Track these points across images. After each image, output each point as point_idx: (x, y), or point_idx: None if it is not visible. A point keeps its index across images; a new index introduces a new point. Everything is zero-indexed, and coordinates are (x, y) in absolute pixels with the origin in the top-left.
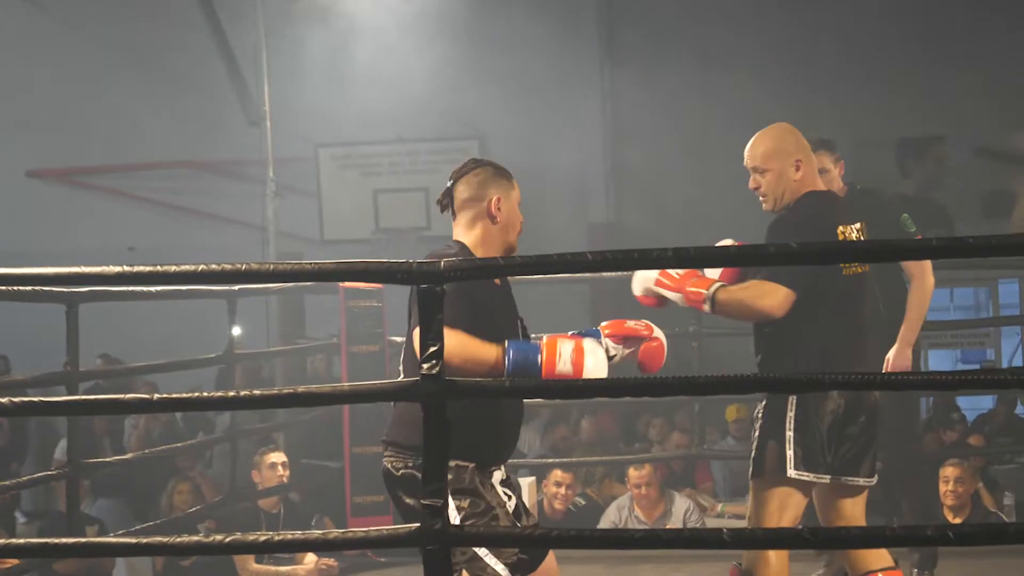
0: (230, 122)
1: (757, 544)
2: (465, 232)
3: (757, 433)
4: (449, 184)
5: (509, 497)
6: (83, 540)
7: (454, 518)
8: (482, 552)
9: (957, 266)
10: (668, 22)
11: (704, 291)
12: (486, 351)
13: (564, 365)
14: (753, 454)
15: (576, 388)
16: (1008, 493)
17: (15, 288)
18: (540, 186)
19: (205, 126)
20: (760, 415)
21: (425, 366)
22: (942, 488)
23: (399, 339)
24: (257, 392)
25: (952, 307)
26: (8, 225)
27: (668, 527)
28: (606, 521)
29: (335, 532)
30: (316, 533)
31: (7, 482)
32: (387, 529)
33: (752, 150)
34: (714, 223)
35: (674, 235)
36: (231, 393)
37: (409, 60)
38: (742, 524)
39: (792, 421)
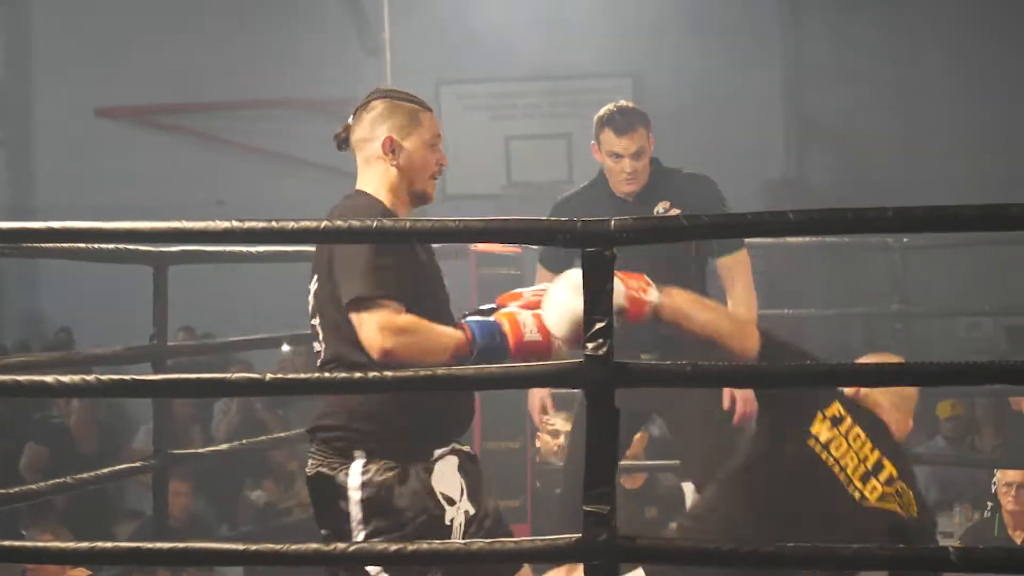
0: (342, 53)
1: (990, 567)
2: (363, 177)
3: None
4: (350, 119)
5: (451, 502)
6: (181, 545)
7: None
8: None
9: None
10: None
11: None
12: (444, 336)
13: (532, 333)
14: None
15: (760, 374)
16: None
17: (95, 247)
18: (707, 136)
19: (311, 57)
20: None
21: (590, 345)
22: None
23: None
24: (388, 374)
25: None
26: (71, 173)
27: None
28: None
29: (479, 543)
30: (457, 543)
31: (84, 475)
32: (542, 540)
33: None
34: (915, 185)
35: (867, 197)
36: (358, 375)
37: None
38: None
39: None
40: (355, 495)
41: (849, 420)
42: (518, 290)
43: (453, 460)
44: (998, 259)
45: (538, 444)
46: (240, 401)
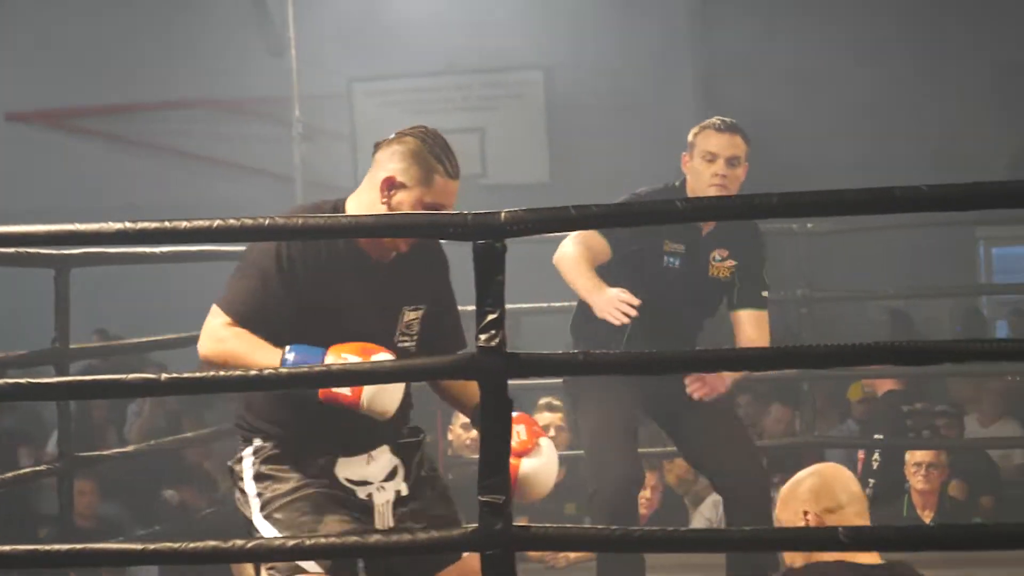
0: (248, 53)
1: (878, 546)
2: (357, 193)
3: None
4: (393, 135)
5: (363, 484)
6: (77, 547)
7: (255, 508)
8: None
9: None
10: None
11: None
12: (254, 356)
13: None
14: None
15: (650, 362)
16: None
17: None
18: (619, 127)
19: (218, 59)
20: None
21: (483, 337)
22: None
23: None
24: (284, 371)
25: None
26: None
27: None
28: (700, 520)
29: (376, 536)
30: (353, 537)
31: None
32: (438, 531)
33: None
34: (828, 172)
35: (782, 185)
36: (254, 372)
37: None
38: None
39: None
40: (247, 473)
41: None
42: None
43: (364, 458)
44: (906, 243)
45: (450, 437)
46: (152, 402)
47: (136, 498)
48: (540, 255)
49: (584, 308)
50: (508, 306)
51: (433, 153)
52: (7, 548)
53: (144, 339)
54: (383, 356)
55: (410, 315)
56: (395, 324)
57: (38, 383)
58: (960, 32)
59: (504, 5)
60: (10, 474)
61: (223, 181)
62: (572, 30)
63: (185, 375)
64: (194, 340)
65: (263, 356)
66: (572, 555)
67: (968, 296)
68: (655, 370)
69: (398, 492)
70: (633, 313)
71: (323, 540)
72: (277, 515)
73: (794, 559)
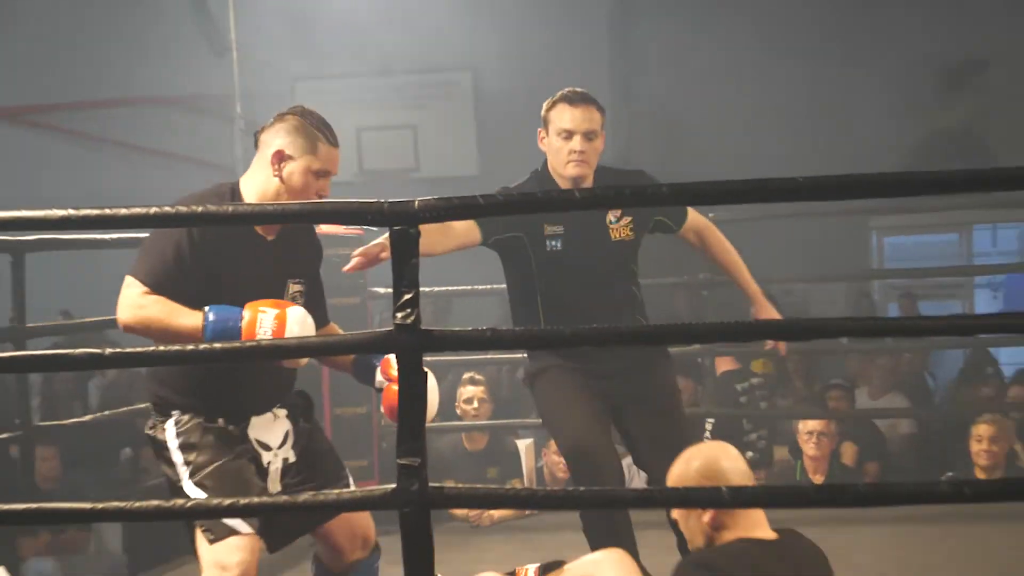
0: (195, 55)
1: (760, 503)
2: (248, 175)
3: None
4: (272, 119)
5: (267, 448)
6: (34, 506)
7: (184, 475)
8: None
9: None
10: None
11: None
12: (179, 318)
13: (264, 333)
14: None
15: (567, 338)
16: None
17: None
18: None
19: (167, 58)
20: None
21: (399, 315)
22: (974, 447)
23: (382, 290)
24: (218, 345)
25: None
26: None
27: None
28: None
29: (304, 496)
30: (283, 497)
31: None
32: (360, 491)
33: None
34: (737, 162)
35: (690, 175)
36: (190, 347)
37: None
38: None
39: None
40: (173, 443)
41: None
42: None
43: (271, 416)
44: (805, 231)
45: (382, 408)
46: (110, 376)
47: (98, 463)
48: None
49: (517, 312)
50: (438, 288)
51: (314, 125)
52: None
53: (96, 319)
54: (296, 310)
55: (294, 287)
56: (283, 295)
57: None
58: (869, 30)
59: (436, 8)
60: None
61: (168, 173)
62: (498, 32)
63: (128, 350)
64: None
65: (184, 319)
66: (496, 514)
67: (859, 281)
68: (557, 344)
69: (286, 460)
70: (360, 259)
71: (256, 500)
72: (207, 481)
73: (696, 542)
